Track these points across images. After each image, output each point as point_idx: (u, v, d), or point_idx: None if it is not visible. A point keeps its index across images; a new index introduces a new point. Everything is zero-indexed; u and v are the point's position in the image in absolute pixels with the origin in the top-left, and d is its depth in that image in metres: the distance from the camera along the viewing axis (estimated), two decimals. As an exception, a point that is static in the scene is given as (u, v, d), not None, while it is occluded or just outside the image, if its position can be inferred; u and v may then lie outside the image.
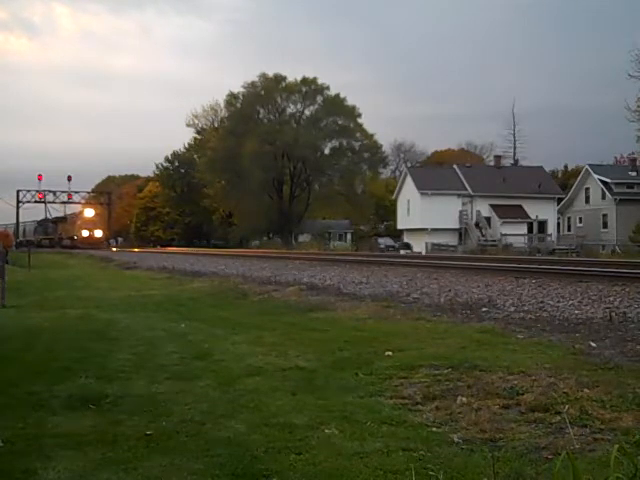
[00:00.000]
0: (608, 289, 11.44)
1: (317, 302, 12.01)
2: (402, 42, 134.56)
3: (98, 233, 77.13)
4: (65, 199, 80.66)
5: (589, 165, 60.34)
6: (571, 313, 9.41)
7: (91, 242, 72.08)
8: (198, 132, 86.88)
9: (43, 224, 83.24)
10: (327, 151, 73.00)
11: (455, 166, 61.06)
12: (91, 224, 76.93)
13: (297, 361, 6.68)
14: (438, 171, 63.18)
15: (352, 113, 71.55)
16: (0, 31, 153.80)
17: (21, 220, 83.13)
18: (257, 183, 67.70)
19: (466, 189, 57.32)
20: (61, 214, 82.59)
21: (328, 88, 71.37)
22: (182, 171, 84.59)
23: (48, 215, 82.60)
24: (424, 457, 3.87)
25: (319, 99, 72.03)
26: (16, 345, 8.12)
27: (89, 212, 78.99)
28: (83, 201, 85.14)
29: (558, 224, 60.19)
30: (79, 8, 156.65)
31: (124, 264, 30.87)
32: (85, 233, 75.84)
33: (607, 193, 56.58)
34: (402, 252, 49.28)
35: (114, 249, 66.11)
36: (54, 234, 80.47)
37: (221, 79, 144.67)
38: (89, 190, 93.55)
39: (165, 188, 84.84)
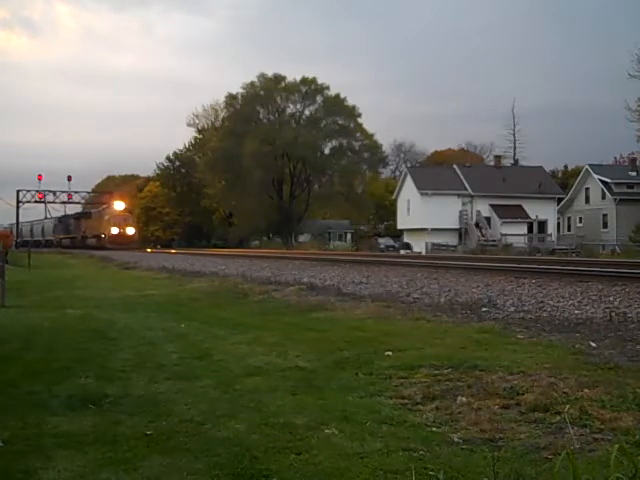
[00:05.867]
0: (608, 289, 11.43)
1: (317, 302, 12.01)
2: (402, 42, 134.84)
3: (130, 230, 64.69)
4: (65, 199, 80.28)
5: (589, 165, 60.39)
6: (571, 313, 9.41)
7: (122, 241, 60.48)
8: (199, 132, 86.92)
9: (64, 221, 76.55)
10: (327, 151, 73.04)
11: (455, 166, 61.10)
12: (121, 219, 64.68)
13: (297, 361, 6.67)
14: (438, 171, 63.21)
15: (352, 113, 71.56)
16: (0, 29, 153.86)
17: (24, 220, 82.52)
18: (257, 183, 67.69)
19: (466, 189, 57.34)
20: (61, 214, 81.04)
21: (328, 88, 71.48)
22: (182, 171, 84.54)
23: (48, 215, 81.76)
24: (424, 457, 3.87)
25: (319, 99, 72.05)
26: (16, 345, 8.11)
27: (119, 205, 66.95)
28: (83, 201, 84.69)
29: (558, 224, 60.21)
30: (80, 6, 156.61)
31: (124, 264, 30.86)
32: (115, 230, 63.14)
33: (607, 193, 56.63)
34: (402, 252, 49.28)
35: (149, 250, 55.78)
36: (77, 232, 71.44)
37: (222, 78, 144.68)
38: (89, 190, 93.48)
39: (165, 188, 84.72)
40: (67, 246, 69.64)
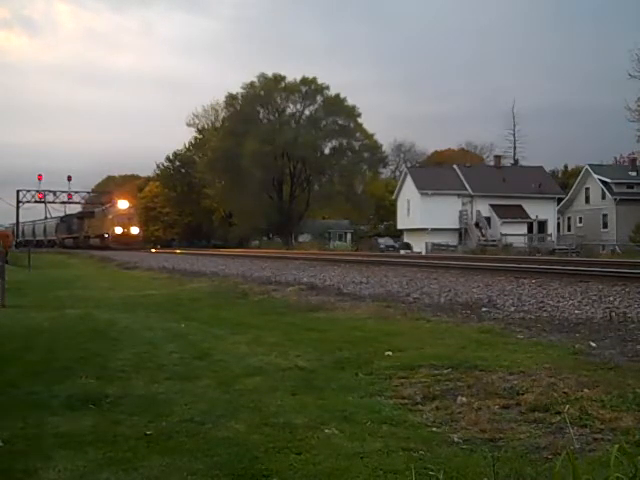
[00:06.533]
0: (608, 289, 11.43)
1: (317, 302, 12.00)
2: (402, 42, 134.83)
3: (134, 230, 63.34)
4: (65, 199, 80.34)
5: (589, 165, 60.42)
6: (571, 313, 9.40)
7: (126, 241, 59.44)
8: (199, 132, 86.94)
9: (66, 220, 75.66)
10: (327, 151, 73.15)
11: (455, 166, 61.12)
12: (125, 219, 63.00)
13: (297, 361, 6.67)
14: (438, 171, 63.20)
15: (352, 113, 71.60)
16: (0, 29, 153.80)
17: (24, 220, 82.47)
18: (257, 183, 67.75)
19: (466, 189, 57.36)
20: (61, 214, 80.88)
21: (328, 88, 71.56)
22: (182, 171, 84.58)
23: (48, 215, 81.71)
24: (424, 457, 3.87)
25: (319, 99, 72.13)
26: (16, 345, 8.11)
27: (123, 204, 64.94)
28: (83, 201, 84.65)
29: (558, 224, 60.23)
30: (80, 6, 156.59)
31: (124, 264, 30.83)
32: (118, 230, 61.74)
33: (607, 193, 56.66)
34: (402, 252, 49.29)
35: (153, 250, 55.07)
36: (79, 232, 70.42)
37: (222, 78, 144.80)
38: (89, 190, 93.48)
39: (165, 188, 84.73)
40: (70, 246, 68.76)
